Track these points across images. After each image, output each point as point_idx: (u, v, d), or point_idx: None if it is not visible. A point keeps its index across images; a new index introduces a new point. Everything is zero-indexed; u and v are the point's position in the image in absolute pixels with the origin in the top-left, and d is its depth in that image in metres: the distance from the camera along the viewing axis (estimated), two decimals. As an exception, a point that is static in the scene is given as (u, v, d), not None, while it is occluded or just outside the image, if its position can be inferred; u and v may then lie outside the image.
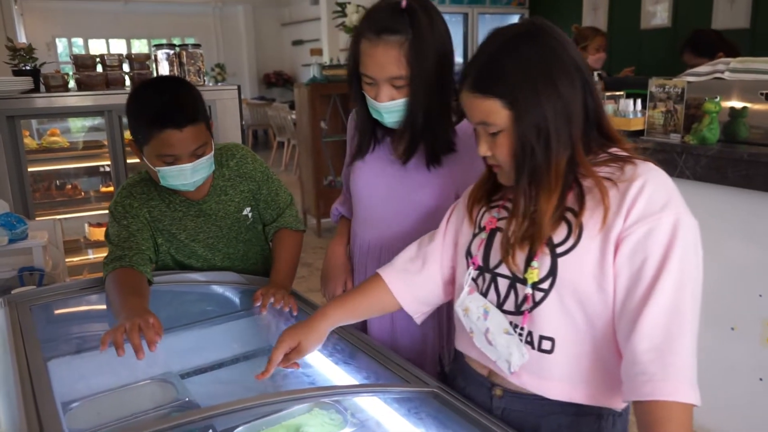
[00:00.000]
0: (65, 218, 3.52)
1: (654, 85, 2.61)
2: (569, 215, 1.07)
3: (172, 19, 12.75)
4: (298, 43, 13.09)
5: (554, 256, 1.07)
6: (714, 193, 2.38)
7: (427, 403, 1.24)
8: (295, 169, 8.38)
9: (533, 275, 1.09)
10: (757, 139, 2.42)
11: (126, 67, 3.44)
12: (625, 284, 1.03)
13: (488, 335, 1.17)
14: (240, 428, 1.18)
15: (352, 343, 1.48)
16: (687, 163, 2.43)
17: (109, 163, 3.47)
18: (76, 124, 4.64)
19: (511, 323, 1.14)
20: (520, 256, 1.10)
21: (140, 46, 12.83)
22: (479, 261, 1.20)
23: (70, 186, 3.81)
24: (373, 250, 1.64)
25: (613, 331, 1.08)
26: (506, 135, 1.07)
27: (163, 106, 1.56)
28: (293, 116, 8.28)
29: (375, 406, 1.30)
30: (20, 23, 8.66)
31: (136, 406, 1.41)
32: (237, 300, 1.83)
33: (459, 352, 1.31)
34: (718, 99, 2.40)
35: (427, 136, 1.48)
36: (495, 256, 1.17)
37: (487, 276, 1.18)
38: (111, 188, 3.77)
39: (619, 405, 1.14)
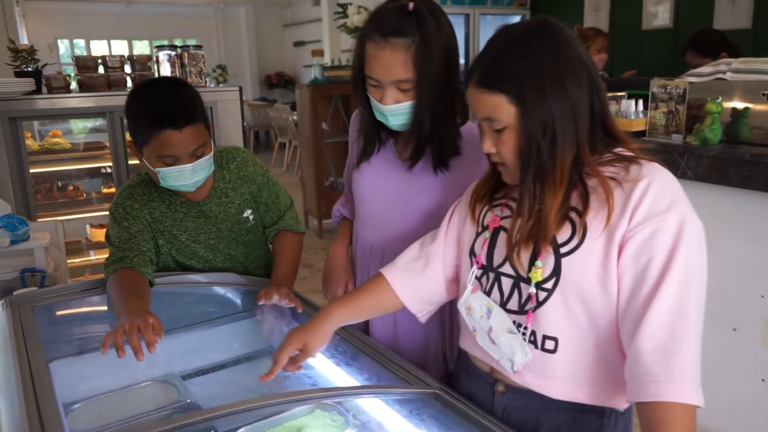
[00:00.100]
0: (67, 219, 3.52)
1: (656, 85, 2.60)
2: (573, 215, 1.07)
3: (173, 21, 12.77)
4: (299, 44, 13.10)
5: (558, 256, 1.07)
6: (716, 193, 2.38)
7: (429, 405, 1.24)
8: (297, 170, 8.39)
9: (537, 275, 1.08)
10: (759, 140, 2.42)
11: (128, 69, 3.44)
12: (630, 285, 1.03)
13: (491, 334, 1.17)
14: (241, 429, 1.18)
15: (354, 344, 1.48)
16: (689, 163, 2.43)
17: (110, 164, 3.47)
18: (78, 125, 4.65)
19: (514, 322, 1.14)
20: (525, 255, 1.10)
21: (142, 47, 12.84)
22: (483, 260, 1.20)
23: (71, 187, 3.82)
24: (375, 252, 1.64)
25: (616, 332, 1.07)
26: (511, 132, 1.07)
27: (161, 106, 1.56)
28: (294, 117, 8.28)
29: (376, 408, 1.30)
30: (22, 24, 8.67)
31: (138, 407, 1.41)
32: (238, 301, 1.83)
33: (463, 349, 1.31)
34: (719, 99, 2.40)
35: (434, 140, 1.47)
36: (498, 255, 1.17)
37: (491, 275, 1.18)
38: (113, 189, 3.77)
39: (622, 405, 1.14)
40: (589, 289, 1.05)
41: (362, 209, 1.67)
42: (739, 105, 2.48)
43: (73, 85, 3.34)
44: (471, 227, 1.26)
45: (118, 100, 3.16)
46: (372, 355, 1.42)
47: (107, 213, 1.81)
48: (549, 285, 1.08)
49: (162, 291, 1.69)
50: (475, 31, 7.35)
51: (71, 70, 3.55)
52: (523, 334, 1.12)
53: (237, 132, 3.52)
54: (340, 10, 5.70)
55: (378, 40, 1.36)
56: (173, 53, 3.39)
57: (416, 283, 1.34)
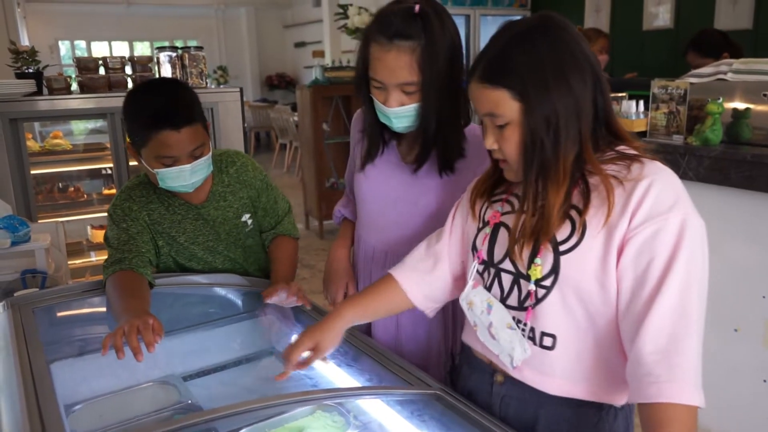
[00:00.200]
0: (68, 221, 3.52)
1: (656, 86, 2.60)
2: (573, 213, 1.07)
3: (174, 22, 12.78)
4: (300, 45, 13.11)
5: (557, 254, 1.07)
6: (717, 194, 2.38)
7: (430, 406, 1.24)
8: (297, 171, 8.39)
9: (536, 272, 1.09)
10: (760, 140, 2.42)
11: (128, 70, 3.45)
12: (631, 285, 1.02)
13: (491, 329, 1.17)
14: (243, 430, 1.18)
15: (355, 345, 1.48)
16: (690, 164, 2.43)
17: (111, 165, 3.47)
18: (79, 126, 4.66)
19: (514, 318, 1.14)
20: (526, 252, 1.10)
21: (143, 49, 12.85)
22: (484, 255, 1.20)
23: (72, 188, 3.82)
24: (378, 254, 1.64)
25: (614, 330, 1.08)
26: (514, 128, 1.07)
27: (159, 107, 1.57)
28: (295, 118, 8.29)
29: (377, 409, 1.30)
30: (23, 26, 8.68)
31: (139, 408, 1.41)
32: (239, 302, 1.83)
33: (466, 344, 1.32)
34: (720, 100, 2.40)
35: (440, 143, 1.47)
36: (499, 251, 1.17)
37: (492, 270, 1.19)
38: (113, 190, 3.78)
39: (619, 401, 1.14)
40: (588, 287, 1.06)
41: (365, 211, 1.66)
42: (740, 105, 2.48)
43: (74, 86, 3.34)
44: (472, 223, 1.26)
45: (118, 101, 3.12)
46: (373, 356, 1.42)
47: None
48: (548, 282, 1.08)
49: (163, 292, 1.69)
50: (475, 32, 7.35)
51: (72, 72, 3.55)
52: (522, 330, 1.13)
53: (238, 133, 3.52)
54: (341, 11, 5.70)
55: (383, 42, 1.35)
56: (174, 54, 3.39)
57: (425, 282, 1.34)
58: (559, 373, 1.12)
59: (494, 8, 7.44)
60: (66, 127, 4.57)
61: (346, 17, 5.64)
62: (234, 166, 1.82)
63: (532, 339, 1.13)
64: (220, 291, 1.84)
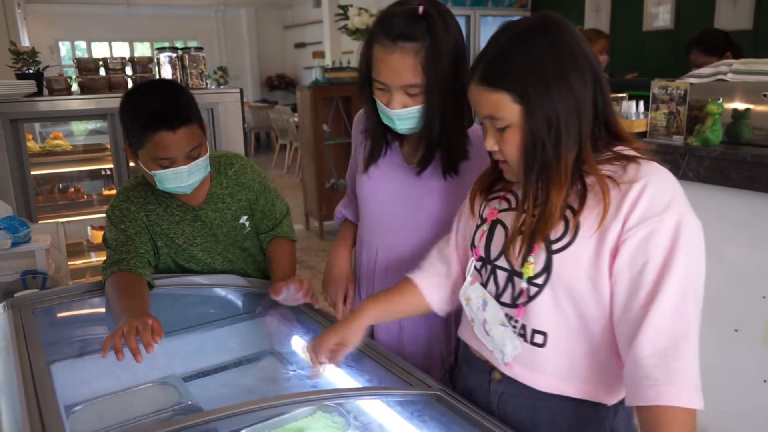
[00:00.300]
0: (68, 221, 3.52)
1: (656, 86, 2.60)
2: (568, 212, 1.07)
3: (174, 23, 12.79)
4: (300, 45, 13.12)
5: (549, 252, 1.07)
6: (717, 194, 2.38)
7: (430, 406, 1.24)
8: (298, 172, 8.39)
9: (529, 270, 1.09)
10: (760, 141, 2.42)
11: (129, 71, 3.45)
12: (626, 287, 1.02)
13: (485, 326, 1.19)
14: (243, 431, 1.18)
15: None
16: (690, 164, 2.43)
17: (111, 166, 3.47)
18: (79, 127, 4.66)
19: (506, 315, 1.15)
20: (520, 250, 1.11)
21: (143, 49, 12.86)
22: (481, 252, 1.21)
23: (72, 189, 3.82)
24: (381, 256, 1.63)
25: (606, 330, 1.08)
26: (514, 130, 1.06)
27: (155, 108, 1.57)
28: (295, 119, 8.29)
29: (378, 409, 1.30)
30: (23, 27, 8.68)
31: (139, 409, 1.41)
32: (239, 303, 1.83)
33: (462, 340, 1.33)
34: (720, 101, 2.40)
35: (444, 145, 1.46)
36: (495, 248, 1.18)
37: (488, 267, 1.20)
38: (114, 191, 3.78)
39: (611, 401, 1.14)
40: (579, 286, 1.06)
41: (367, 213, 1.65)
42: (740, 106, 2.48)
43: (74, 87, 3.34)
44: (471, 220, 1.27)
45: (118, 102, 3.13)
46: (373, 357, 1.42)
47: (107, 215, 1.80)
48: (540, 280, 1.09)
49: (163, 293, 1.69)
50: (476, 33, 7.35)
51: (72, 72, 3.55)
52: (514, 326, 1.14)
53: (238, 134, 3.52)
54: (341, 11, 5.71)
55: (387, 44, 1.34)
56: (174, 55, 3.40)
57: (441, 286, 1.36)
58: (549, 371, 1.13)
59: (494, 9, 7.44)
60: (66, 128, 4.57)
61: (347, 18, 5.65)
62: (232, 168, 1.82)
63: (523, 336, 1.13)
64: (220, 292, 1.84)
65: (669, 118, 2.56)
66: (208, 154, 1.67)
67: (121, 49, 12.71)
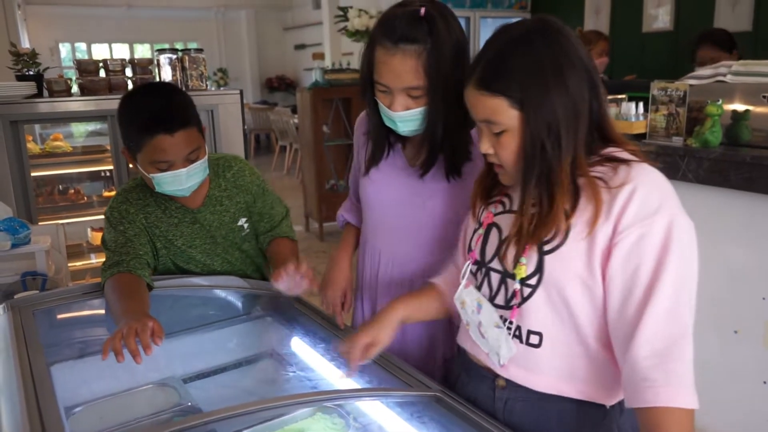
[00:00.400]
0: (68, 223, 3.51)
1: (656, 88, 2.60)
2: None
3: (174, 24, 12.80)
4: (300, 47, 13.12)
5: (541, 254, 1.07)
6: (716, 196, 2.38)
7: (430, 407, 1.24)
8: (297, 173, 8.39)
9: (521, 271, 1.10)
10: (760, 142, 2.42)
11: (129, 72, 3.45)
12: (620, 290, 1.03)
13: (481, 328, 1.19)
14: (242, 432, 1.18)
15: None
16: (689, 166, 2.43)
17: (111, 167, 3.47)
18: (79, 128, 4.66)
19: (501, 317, 1.15)
20: (513, 252, 1.11)
21: (143, 51, 12.88)
22: (477, 255, 1.21)
23: (72, 191, 3.82)
24: (384, 258, 1.62)
25: (601, 331, 1.08)
26: (511, 134, 1.06)
27: (153, 112, 1.57)
28: (295, 120, 8.29)
29: (377, 411, 1.30)
30: (24, 28, 8.69)
31: (139, 410, 1.41)
32: (239, 304, 1.83)
33: (460, 349, 1.32)
34: (720, 102, 2.40)
35: (447, 148, 1.45)
36: (489, 251, 1.19)
37: (483, 270, 1.20)
38: (113, 193, 3.76)
39: (609, 401, 1.14)
40: (571, 287, 1.06)
41: (370, 215, 1.65)
42: (740, 107, 2.48)
43: (75, 88, 3.34)
44: (472, 224, 1.28)
45: (119, 103, 3.16)
46: (373, 358, 1.42)
47: (106, 216, 1.80)
48: (533, 281, 1.09)
49: (163, 294, 1.69)
50: (475, 35, 7.35)
51: (72, 74, 3.55)
52: (509, 328, 1.14)
53: (238, 135, 3.52)
54: (341, 13, 5.71)
55: (388, 46, 1.33)
56: (174, 57, 3.40)
57: None
58: (545, 371, 1.13)
59: (494, 10, 7.44)
60: (66, 130, 4.57)
61: (346, 19, 5.66)
62: (231, 170, 1.82)
63: (518, 337, 1.14)
64: (220, 293, 1.84)
65: (668, 120, 2.56)
66: (206, 157, 1.67)
67: (121, 51, 12.71)
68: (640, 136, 2.69)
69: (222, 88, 8.96)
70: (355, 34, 5.64)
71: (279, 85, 13.66)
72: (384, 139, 1.54)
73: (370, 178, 1.60)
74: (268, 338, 1.76)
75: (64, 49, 12.23)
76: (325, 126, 5.66)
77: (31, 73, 3.20)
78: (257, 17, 13.50)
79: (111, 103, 3.20)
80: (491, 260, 1.18)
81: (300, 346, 1.66)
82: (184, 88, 3.31)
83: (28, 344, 1.40)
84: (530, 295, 1.10)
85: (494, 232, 1.18)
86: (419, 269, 1.55)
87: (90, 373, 1.47)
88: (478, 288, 1.21)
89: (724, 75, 2.55)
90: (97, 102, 3.21)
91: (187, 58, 3.40)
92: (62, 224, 2.80)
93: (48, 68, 3.38)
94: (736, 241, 2.35)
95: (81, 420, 1.37)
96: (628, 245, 1.01)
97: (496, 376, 1.21)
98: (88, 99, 3.21)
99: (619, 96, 3.12)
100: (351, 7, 5.70)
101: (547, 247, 1.07)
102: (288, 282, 1.57)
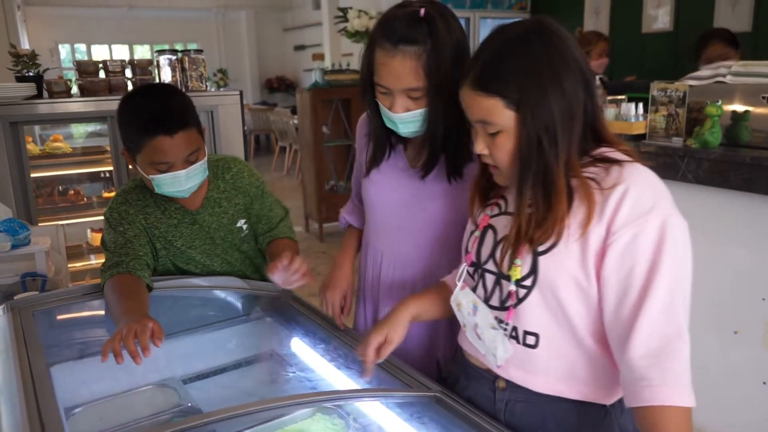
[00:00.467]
0: (68, 224, 3.51)
1: (656, 88, 2.61)
2: None
3: (174, 25, 12.80)
4: (300, 48, 13.12)
5: (535, 255, 1.08)
6: (716, 196, 2.38)
7: (430, 408, 1.24)
8: (297, 174, 8.39)
9: (516, 272, 1.10)
10: (760, 143, 2.42)
11: (128, 73, 3.45)
12: (616, 290, 1.03)
13: (477, 330, 1.19)
14: (242, 433, 1.18)
15: (354, 348, 1.48)
16: (689, 166, 2.43)
17: (111, 168, 3.47)
18: (79, 129, 4.65)
19: (496, 318, 1.15)
20: (509, 253, 1.12)
21: (143, 52, 12.88)
22: (473, 257, 1.21)
23: (72, 192, 3.82)
24: (386, 259, 1.62)
25: (597, 332, 1.09)
26: (506, 135, 1.07)
27: (152, 113, 1.56)
28: (295, 121, 8.29)
29: (377, 411, 1.30)
30: (23, 29, 8.69)
31: (139, 411, 1.41)
32: (239, 305, 1.83)
33: (459, 351, 1.33)
34: (720, 102, 2.40)
35: (448, 149, 1.45)
36: (485, 252, 1.19)
37: (479, 272, 1.20)
38: (113, 193, 3.76)
39: (609, 401, 1.14)
40: (566, 288, 1.06)
41: (372, 217, 1.64)
42: (740, 108, 2.48)
43: (74, 89, 3.34)
44: (470, 226, 1.28)
45: (118, 104, 3.15)
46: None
47: (106, 217, 1.80)
48: (528, 282, 1.09)
49: (162, 295, 1.69)
50: (475, 35, 7.35)
51: (72, 75, 3.55)
52: (504, 329, 1.14)
53: (237, 136, 3.52)
54: (341, 14, 5.72)
55: (388, 47, 1.33)
56: (174, 57, 3.40)
57: None
58: (543, 371, 1.13)
59: (494, 11, 7.45)
60: (66, 131, 4.57)
61: (346, 20, 5.66)
62: (230, 172, 1.82)
63: (515, 338, 1.14)
64: (220, 294, 1.84)
65: (668, 120, 2.56)
66: (206, 158, 1.67)
67: (120, 52, 12.72)
68: (639, 137, 2.69)
69: (222, 89, 8.96)
70: (354, 35, 5.65)
71: (279, 86, 13.66)
72: (385, 140, 1.54)
73: (371, 180, 1.59)
74: (267, 339, 1.76)
75: (64, 50, 12.23)
76: (325, 127, 5.66)
77: (31, 74, 3.20)
78: (257, 18, 13.51)
79: (111, 104, 3.19)
80: (486, 262, 1.18)
81: (300, 347, 1.66)
82: (183, 89, 3.32)
83: (27, 345, 1.40)
84: (525, 296, 1.10)
85: (490, 233, 1.19)
86: (421, 270, 1.55)
87: (90, 374, 1.47)
88: (474, 289, 1.21)
89: (724, 76, 2.56)
90: (96, 103, 3.21)
91: (186, 59, 3.41)
92: (62, 225, 2.80)
93: (48, 69, 3.39)
94: (735, 242, 2.35)
95: (81, 421, 1.37)
96: (621, 246, 1.01)
97: (497, 377, 1.21)
98: (87, 100, 3.21)
99: (619, 97, 3.12)
100: (351, 8, 5.70)
101: (541, 249, 1.07)
102: (282, 275, 1.57)
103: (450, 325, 1.59)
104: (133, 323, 1.30)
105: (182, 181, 1.61)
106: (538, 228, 1.06)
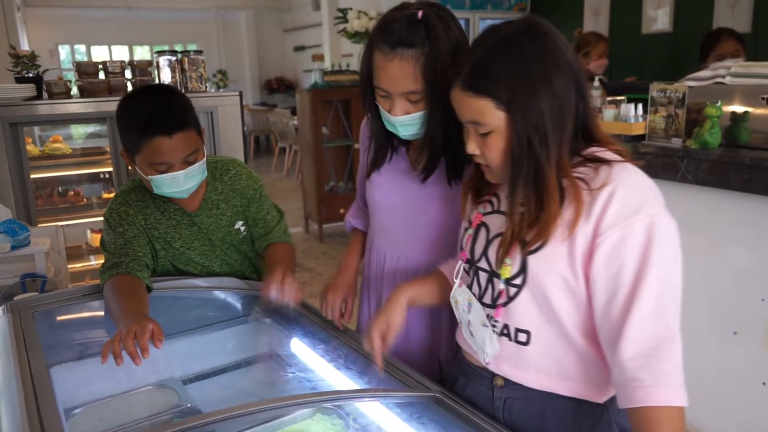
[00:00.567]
0: (67, 225, 3.52)
1: (655, 89, 2.61)
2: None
3: (174, 26, 12.80)
4: (299, 48, 13.13)
5: (524, 254, 1.08)
6: (716, 197, 2.38)
7: (429, 408, 1.24)
8: (297, 175, 8.40)
9: (506, 271, 1.11)
10: (759, 144, 2.42)
11: (128, 74, 3.45)
12: (604, 291, 1.03)
13: (470, 327, 1.21)
14: (242, 434, 1.18)
15: (354, 348, 1.48)
16: (689, 167, 2.43)
17: (111, 169, 3.47)
18: (78, 130, 4.65)
19: (488, 316, 1.16)
20: (499, 251, 1.12)
21: (142, 53, 12.88)
22: (467, 254, 1.22)
23: (72, 192, 3.82)
24: (389, 260, 1.62)
25: (587, 330, 1.09)
26: (498, 135, 1.07)
27: (151, 114, 1.57)
28: (295, 122, 8.29)
29: (377, 411, 1.30)
30: (23, 30, 8.70)
31: (138, 412, 1.41)
32: (238, 305, 1.83)
33: (459, 350, 1.33)
34: (719, 103, 2.41)
35: (448, 152, 1.44)
36: (478, 250, 1.20)
37: (473, 269, 1.21)
38: (113, 194, 3.77)
39: (601, 398, 1.14)
40: (554, 287, 1.07)
41: (376, 218, 1.65)
42: (739, 109, 2.48)
43: (74, 90, 3.34)
44: (464, 223, 1.29)
45: (117, 105, 3.15)
46: (372, 359, 1.42)
47: (106, 218, 1.80)
48: (518, 281, 1.10)
49: (162, 295, 1.69)
50: (475, 36, 7.36)
51: (72, 76, 3.55)
52: (494, 326, 1.15)
53: (237, 137, 3.52)
54: (341, 14, 5.72)
55: (386, 50, 1.32)
56: (173, 58, 3.40)
57: None
58: (534, 367, 1.14)
59: (494, 11, 7.46)
60: (66, 131, 4.56)
61: (346, 21, 5.66)
62: (228, 173, 1.82)
63: (507, 335, 1.15)
64: (219, 294, 1.84)
65: (668, 121, 2.56)
66: (204, 159, 1.67)
67: (120, 53, 12.72)
68: (639, 138, 2.70)
69: (221, 90, 8.95)
70: (354, 36, 5.65)
71: (278, 87, 13.66)
72: (386, 142, 1.54)
73: (373, 182, 1.60)
74: (267, 339, 1.76)
75: (64, 51, 12.23)
76: (325, 127, 5.66)
77: (31, 75, 3.20)
78: (257, 19, 13.51)
79: (110, 105, 3.19)
80: (479, 259, 1.19)
81: (299, 347, 1.66)
82: (183, 90, 3.32)
83: (27, 346, 1.40)
84: (516, 294, 1.11)
85: (482, 231, 1.20)
86: (424, 269, 1.55)
87: (89, 375, 1.47)
88: (469, 287, 1.22)
89: (723, 76, 2.56)
90: (96, 104, 3.21)
91: (186, 59, 3.41)
92: (62, 226, 2.81)
93: (47, 70, 3.39)
94: (735, 243, 2.35)
95: (80, 421, 1.37)
96: (609, 247, 1.01)
97: (494, 375, 1.22)
98: (87, 101, 3.21)
99: (619, 97, 3.13)
100: (350, 9, 5.71)
101: (530, 248, 1.08)
102: (276, 290, 1.58)
103: (452, 325, 1.59)
104: (133, 324, 1.30)
105: (181, 182, 1.61)
106: (531, 228, 1.07)
